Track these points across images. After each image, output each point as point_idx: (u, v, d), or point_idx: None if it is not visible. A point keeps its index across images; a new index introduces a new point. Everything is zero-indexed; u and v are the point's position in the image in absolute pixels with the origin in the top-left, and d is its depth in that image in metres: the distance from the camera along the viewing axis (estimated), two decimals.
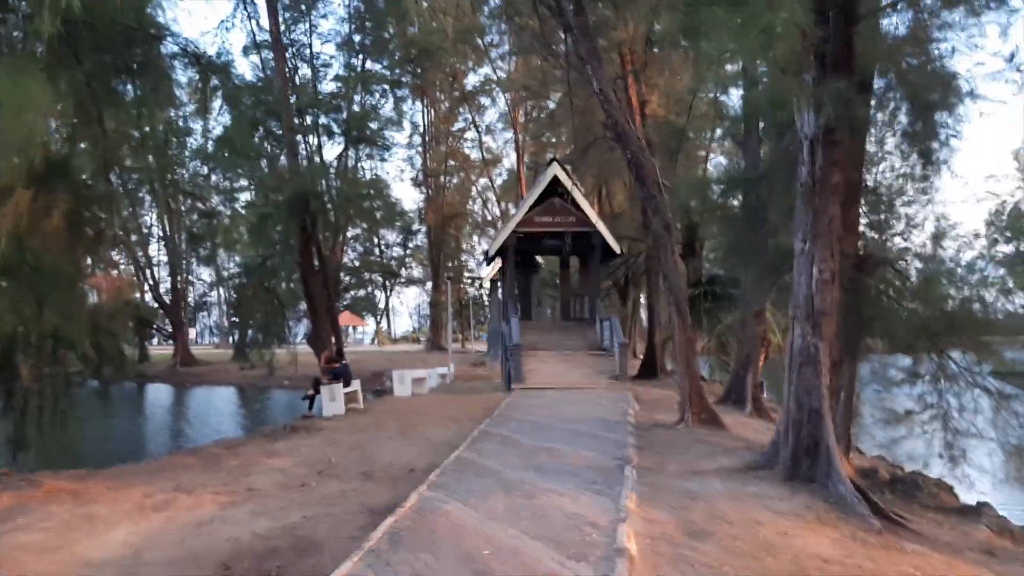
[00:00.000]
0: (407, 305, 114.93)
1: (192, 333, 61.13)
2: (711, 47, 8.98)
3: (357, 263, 46.06)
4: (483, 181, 53.34)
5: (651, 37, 21.25)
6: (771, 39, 5.65)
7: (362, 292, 51.54)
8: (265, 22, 26.53)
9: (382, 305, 67.23)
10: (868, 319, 9.05)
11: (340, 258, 31.82)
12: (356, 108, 29.64)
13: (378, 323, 69.87)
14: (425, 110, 47.22)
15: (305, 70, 30.07)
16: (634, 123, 17.33)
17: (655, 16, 18.76)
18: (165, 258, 48.46)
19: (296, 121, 26.25)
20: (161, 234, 47.48)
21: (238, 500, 7.70)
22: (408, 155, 48.68)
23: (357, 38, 30.09)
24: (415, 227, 49.00)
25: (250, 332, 28.49)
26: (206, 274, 47.23)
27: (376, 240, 47.48)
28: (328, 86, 30.77)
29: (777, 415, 15.23)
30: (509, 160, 50.59)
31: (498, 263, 30.69)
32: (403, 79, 33.35)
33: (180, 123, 33.36)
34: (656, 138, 22.01)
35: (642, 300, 33.60)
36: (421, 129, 47.74)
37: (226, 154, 26.17)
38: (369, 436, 11.92)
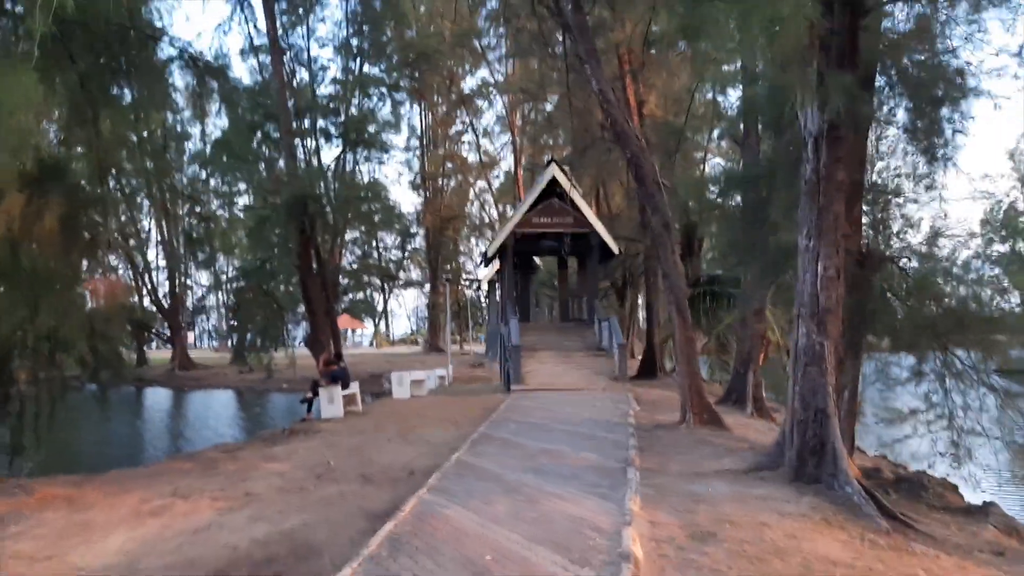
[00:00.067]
0: (405, 307, 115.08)
1: (191, 337, 60.94)
2: (713, 43, 8.92)
3: (356, 266, 45.87)
4: (481, 184, 53.35)
5: (649, 37, 21.18)
6: (776, 31, 5.55)
7: (361, 295, 51.33)
8: (263, 25, 26.45)
9: (381, 308, 67.09)
10: (872, 317, 8.96)
11: (339, 261, 31.63)
12: (354, 111, 29.52)
13: (376, 325, 69.73)
14: (423, 113, 47.24)
15: (303, 74, 29.96)
16: (632, 123, 17.25)
17: (653, 15, 18.71)
18: (164, 262, 48.32)
19: (294, 124, 26.12)
20: (159, 238, 47.34)
21: (236, 505, 7.59)
22: (406, 158, 48.64)
23: (355, 42, 30.00)
24: (413, 230, 48.90)
25: (249, 335, 28.38)
26: (205, 278, 47.06)
27: (374, 243, 47.36)
28: (326, 89, 30.68)
29: (778, 415, 15.16)
30: (507, 162, 50.60)
31: (496, 264, 30.63)
32: (401, 82, 33.26)
33: (178, 127, 33.39)
34: (654, 138, 21.94)
35: (640, 300, 33.53)
36: (419, 132, 47.78)
37: (224, 158, 26.09)
38: (368, 439, 11.81)
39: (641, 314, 35.02)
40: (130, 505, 7.75)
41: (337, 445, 11.31)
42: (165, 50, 14.29)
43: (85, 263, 12.81)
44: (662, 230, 13.30)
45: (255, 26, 28.09)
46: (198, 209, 36.21)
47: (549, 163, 25.49)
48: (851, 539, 6.06)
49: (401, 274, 53.84)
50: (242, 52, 29.41)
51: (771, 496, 7.15)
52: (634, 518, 6.11)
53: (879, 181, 9.96)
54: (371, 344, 67.44)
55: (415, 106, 44.78)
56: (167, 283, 47.82)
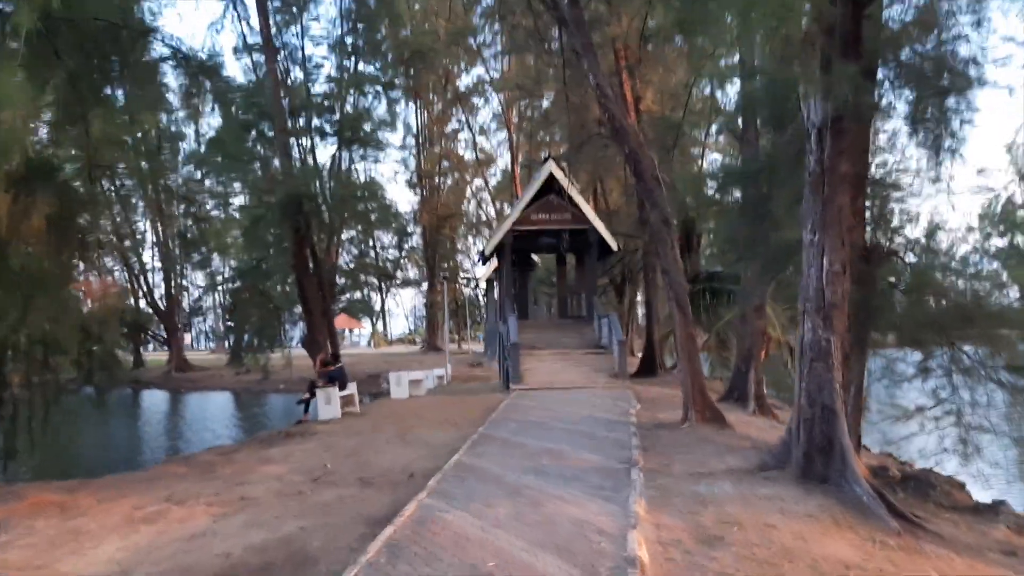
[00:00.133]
0: (403, 307, 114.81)
1: (188, 338, 60.66)
2: (710, 37, 8.77)
3: (352, 265, 45.70)
4: (477, 182, 53.14)
5: (645, 32, 21.01)
6: (780, 22, 5.40)
7: (358, 294, 51.14)
8: (256, 23, 26.27)
9: (378, 307, 66.89)
10: (877, 312, 8.81)
11: (335, 260, 31.43)
12: (349, 110, 29.34)
13: (374, 325, 69.53)
14: (418, 111, 47.01)
15: (297, 72, 29.77)
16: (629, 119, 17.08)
17: (650, 10, 18.55)
18: (160, 263, 47.99)
19: (289, 123, 25.92)
20: (155, 239, 47.10)
21: (231, 510, 7.42)
22: (402, 156, 48.39)
23: (349, 40, 29.81)
24: (410, 228, 48.71)
25: (245, 336, 28.22)
26: (201, 278, 46.77)
27: (371, 242, 47.17)
28: (320, 88, 30.48)
29: (780, 412, 15.03)
30: (503, 160, 50.37)
31: (494, 262, 30.45)
32: (396, 81, 33.09)
33: (172, 128, 33.18)
34: (651, 134, 21.78)
35: (639, 297, 33.40)
36: (415, 130, 47.55)
37: (218, 157, 25.90)
38: (366, 440, 11.65)
39: (640, 311, 34.90)
40: (123, 511, 7.58)
41: (334, 447, 11.15)
42: (157, 49, 14.08)
43: (78, 264, 12.64)
44: (661, 226, 13.14)
45: (248, 24, 27.96)
46: (193, 209, 36.07)
47: (546, 160, 25.31)
48: (861, 540, 5.92)
49: (398, 273, 53.58)
50: (235, 51, 29.26)
51: (778, 496, 7.01)
52: (639, 521, 5.97)
53: (881, 174, 9.82)
54: (369, 344, 67.26)
55: (411, 104, 44.61)
56: (163, 284, 47.58)
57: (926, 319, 8.94)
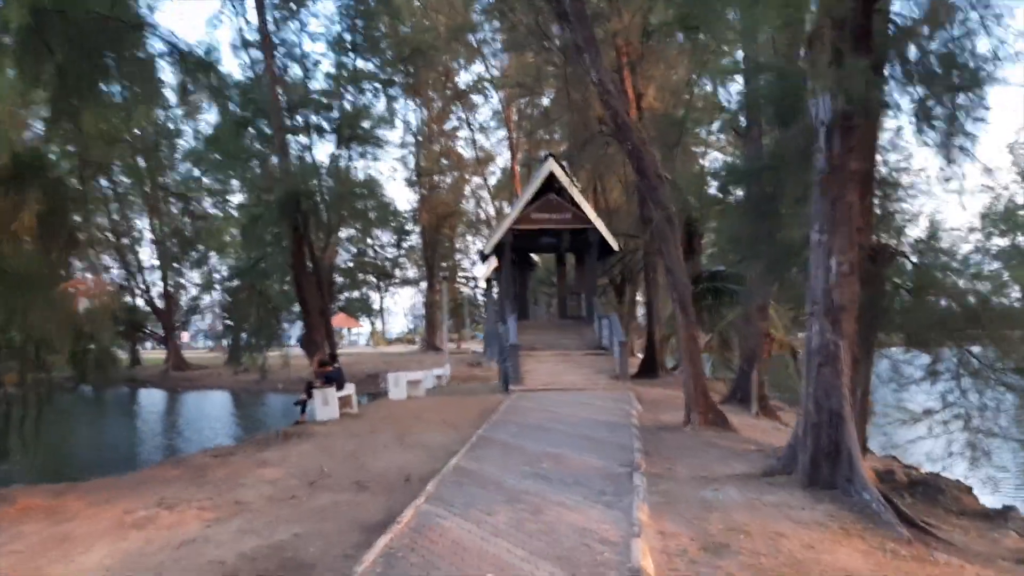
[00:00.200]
0: (402, 306, 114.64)
1: (186, 337, 60.40)
2: (713, 34, 8.59)
3: (351, 264, 45.46)
4: (477, 180, 52.86)
5: (647, 28, 20.84)
6: (790, 17, 5.22)
7: (356, 293, 50.88)
8: (253, 18, 26.06)
9: (377, 306, 66.70)
10: (884, 314, 8.63)
11: (333, 259, 31.29)
12: (348, 107, 29.13)
13: (373, 324, 69.34)
14: (418, 109, 46.75)
15: (296, 69, 29.57)
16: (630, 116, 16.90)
17: (651, 5, 18.38)
18: (157, 261, 47.76)
19: (287, 120, 25.73)
20: (152, 237, 46.84)
21: (224, 516, 7.24)
22: (401, 154, 48.10)
23: (348, 37, 29.59)
24: (409, 227, 48.47)
25: (243, 335, 28.01)
26: (198, 277, 46.50)
27: (370, 240, 46.94)
28: (319, 85, 30.29)
29: (783, 415, 14.88)
30: (503, 159, 50.11)
31: (493, 262, 30.22)
32: (395, 78, 32.87)
33: (170, 126, 32.98)
34: (653, 131, 21.59)
35: (639, 297, 33.19)
36: (414, 128, 47.28)
37: (216, 155, 25.72)
38: (363, 442, 11.47)
39: (640, 311, 34.70)
40: (113, 516, 7.39)
41: (331, 449, 10.97)
42: (153, 44, 13.86)
43: (70, 261, 12.45)
44: (665, 223, 12.96)
45: (246, 19, 27.74)
46: (191, 207, 35.91)
47: (546, 158, 25.07)
48: (871, 549, 5.75)
49: (397, 272, 53.42)
50: (233, 47, 28.99)
51: (785, 503, 6.83)
52: (643, 528, 5.79)
53: (887, 173, 9.64)
54: (367, 343, 67.08)
55: (410, 101, 44.34)
56: (161, 283, 47.32)
57: (933, 320, 8.77)
